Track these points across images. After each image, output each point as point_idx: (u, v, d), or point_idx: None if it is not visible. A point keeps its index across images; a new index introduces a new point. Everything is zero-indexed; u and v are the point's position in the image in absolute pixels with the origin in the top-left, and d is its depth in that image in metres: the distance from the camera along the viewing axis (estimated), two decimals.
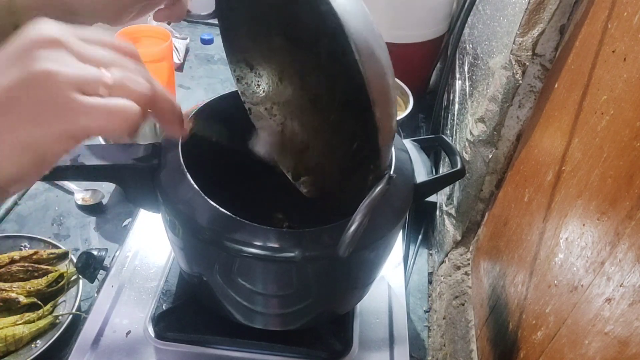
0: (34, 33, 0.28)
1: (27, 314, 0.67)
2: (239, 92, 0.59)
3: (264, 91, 0.59)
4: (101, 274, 0.69)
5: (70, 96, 0.27)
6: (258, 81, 0.58)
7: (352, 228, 0.39)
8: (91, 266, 0.66)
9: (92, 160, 0.50)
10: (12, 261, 0.72)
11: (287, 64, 0.54)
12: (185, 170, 0.49)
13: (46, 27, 0.28)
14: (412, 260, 0.85)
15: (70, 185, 0.91)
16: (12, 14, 0.44)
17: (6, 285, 0.69)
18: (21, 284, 0.70)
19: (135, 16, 0.51)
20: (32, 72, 0.27)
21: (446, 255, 0.79)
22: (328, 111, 0.53)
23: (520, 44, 0.57)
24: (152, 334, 0.62)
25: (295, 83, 0.55)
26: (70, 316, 0.67)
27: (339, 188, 0.54)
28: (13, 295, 0.68)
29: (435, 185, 0.61)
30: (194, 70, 1.25)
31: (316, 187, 0.56)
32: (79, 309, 0.69)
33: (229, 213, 0.48)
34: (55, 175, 0.54)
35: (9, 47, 0.28)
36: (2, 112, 0.27)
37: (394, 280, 0.73)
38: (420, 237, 0.89)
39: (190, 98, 1.15)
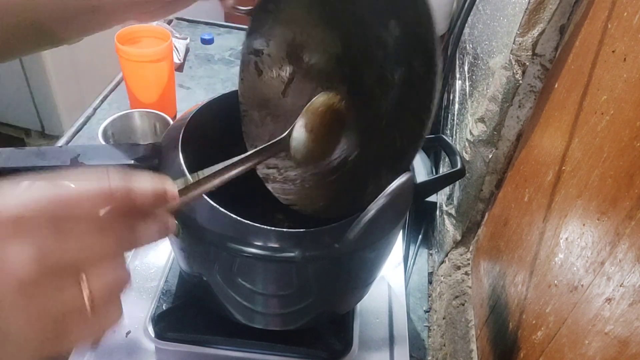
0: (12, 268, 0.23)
1: None
2: (239, 94, 0.59)
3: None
4: None
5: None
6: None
7: (367, 217, 0.38)
8: None
9: (92, 160, 0.50)
10: None
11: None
12: (186, 170, 0.49)
13: (19, 260, 0.23)
14: (412, 260, 0.85)
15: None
16: (32, 10, 0.43)
17: None
18: None
19: (160, 12, 0.50)
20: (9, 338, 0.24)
21: (446, 255, 0.79)
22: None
23: (520, 43, 0.57)
24: (152, 334, 0.62)
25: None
26: None
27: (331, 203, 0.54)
28: None
29: (435, 185, 0.61)
30: (194, 70, 1.25)
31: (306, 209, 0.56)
32: None
33: (229, 213, 0.48)
34: None
35: None
36: None
37: (394, 280, 0.73)
38: (420, 237, 0.89)
39: (190, 98, 1.15)
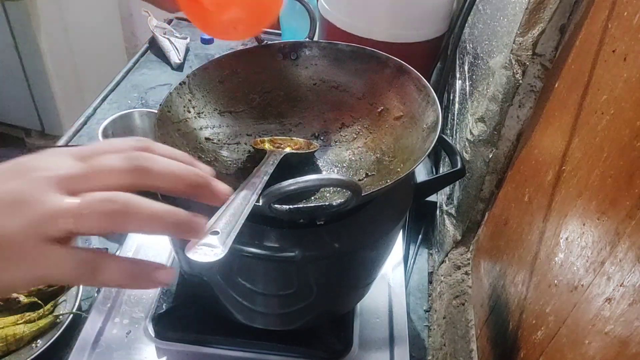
0: (34, 168, 0.28)
1: (28, 314, 0.67)
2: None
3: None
4: None
5: (35, 246, 0.26)
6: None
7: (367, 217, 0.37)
8: None
9: None
10: None
11: None
12: None
13: (45, 164, 0.28)
14: (412, 260, 0.85)
15: None
16: None
17: None
18: None
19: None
20: (3, 214, 0.26)
21: (446, 255, 0.79)
22: None
23: (520, 43, 0.57)
24: (152, 334, 0.62)
25: None
26: (71, 316, 0.67)
27: None
28: (13, 294, 0.68)
29: (435, 185, 0.61)
30: None
31: None
32: (79, 308, 0.69)
33: None
34: None
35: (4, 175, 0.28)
36: None
37: (394, 280, 0.73)
38: (420, 237, 0.89)
39: None
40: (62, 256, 0.27)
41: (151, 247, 0.72)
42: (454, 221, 0.78)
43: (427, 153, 0.48)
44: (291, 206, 0.41)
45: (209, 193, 0.33)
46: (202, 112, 0.58)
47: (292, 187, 0.37)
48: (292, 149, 0.55)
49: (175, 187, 0.31)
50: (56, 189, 0.27)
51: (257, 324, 0.59)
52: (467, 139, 0.71)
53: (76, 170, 0.28)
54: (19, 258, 0.26)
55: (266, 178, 0.43)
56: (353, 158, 0.60)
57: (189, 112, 0.56)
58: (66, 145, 0.99)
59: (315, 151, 0.58)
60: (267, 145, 0.56)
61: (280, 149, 0.54)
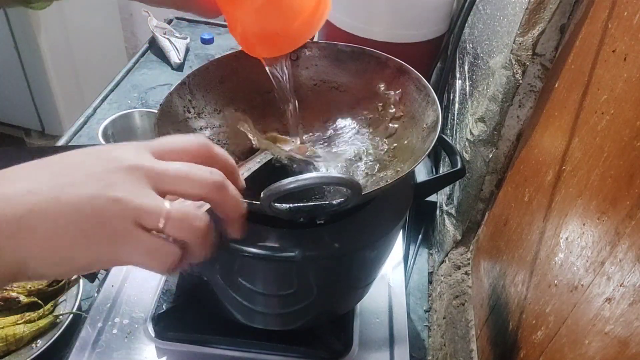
0: (118, 158, 0.31)
1: (28, 314, 0.67)
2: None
3: None
4: (101, 273, 0.69)
5: (127, 228, 0.30)
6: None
7: (367, 217, 0.38)
8: None
9: None
10: None
11: None
12: None
13: (130, 153, 0.31)
14: (412, 260, 0.85)
15: None
16: None
17: None
18: (21, 283, 0.70)
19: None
20: (105, 196, 0.29)
21: (446, 255, 0.79)
22: None
23: (520, 43, 0.57)
24: (153, 334, 0.62)
25: None
26: (71, 316, 0.67)
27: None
28: (13, 294, 0.68)
29: (435, 185, 0.61)
30: None
31: None
32: (79, 308, 0.69)
33: None
34: None
35: (90, 163, 0.31)
36: (64, 221, 0.29)
37: (394, 280, 0.73)
38: (420, 237, 0.89)
39: None
40: (150, 242, 0.31)
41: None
42: (454, 221, 0.78)
43: (427, 153, 0.48)
44: (291, 205, 0.41)
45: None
46: (202, 112, 0.58)
47: (292, 185, 0.37)
48: (286, 151, 0.55)
49: (235, 215, 0.36)
50: (148, 185, 0.31)
51: (257, 324, 0.59)
52: (467, 139, 0.71)
53: (162, 169, 0.32)
54: (114, 238, 0.30)
55: (247, 174, 0.43)
56: (353, 158, 0.60)
57: (189, 112, 0.56)
58: (66, 145, 0.99)
59: (310, 158, 0.58)
60: (265, 142, 0.55)
61: (277, 147, 0.54)
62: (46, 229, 0.28)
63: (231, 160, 0.37)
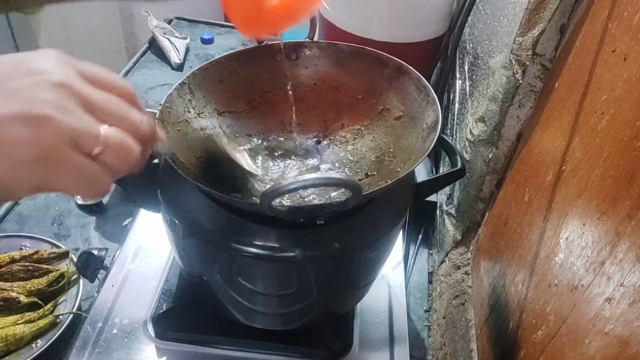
0: (42, 71, 0.28)
1: (28, 314, 0.67)
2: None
3: None
4: (101, 273, 0.69)
5: (61, 150, 0.27)
6: None
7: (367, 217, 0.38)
8: (91, 266, 0.66)
9: None
10: (13, 261, 0.72)
11: None
12: (181, 173, 0.49)
13: (54, 67, 0.28)
14: (412, 260, 0.85)
15: None
16: None
17: (7, 284, 0.69)
18: (22, 283, 0.70)
19: None
20: (33, 113, 0.26)
21: (446, 255, 0.79)
22: None
23: (520, 43, 0.57)
24: (153, 334, 0.62)
25: None
26: (71, 316, 0.67)
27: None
28: (14, 294, 0.68)
29: (435, 184, 0.61)
30: None
31: None
32: (79, 308, 0.69)
33: (229, 212, 0.48)
34: None
35: (12, 74, 0.27)
36: None
37: (394, 279, 0.73)
38: (420, 236, 0.89)
39: None
40: (85, 167, 0.28)
41: (151, 247, 0.72)
42: (454, 221, 0.78)
43: (427, 153, 0.48)
44: (291, 205, 0.41)
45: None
46: (202, 112, 0.58)
47: (292, 186, 0.37)
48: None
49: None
50: (79, 106, 0.28)
51: (257, 324, 0.59)
52: (467, 139, 0.71)
53: (95, 98, 0.29)
54: (46, 161, 0.27)
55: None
56: (353, 158, 0.60)
57: (189, 112, 0.56)
58: None
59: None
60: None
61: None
62: None
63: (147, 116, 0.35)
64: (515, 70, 0.58)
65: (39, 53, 0.29)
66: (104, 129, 0.29)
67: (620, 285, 0.34)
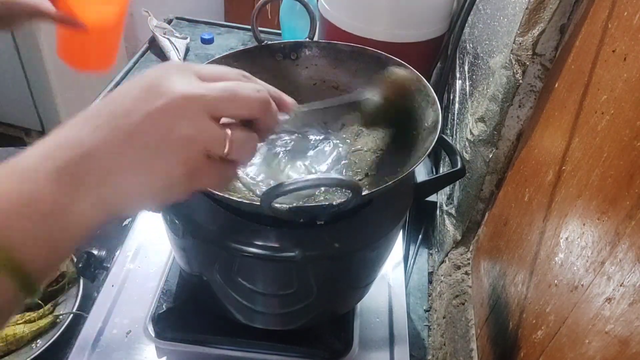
0: (171, 94, 0.31)
1: (28, 314, 0.67)
2: None
3: None
4: (101, 273, 0.69)
5: (202, 162, 0.32)
6: None
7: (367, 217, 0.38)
8: (91, 266, 0.66)
9: None
10: None
11: None
12: None
13: (177, 85, 0.31)
14: (412, 260, 0.85)
15: None
16: None
17: None
18: None
19: None
20: (173, 136, 0.30)
21: (446, 255, 0.79)
22: None
23: (520, 43, 0.57)
24: (153, 334, 0.62)
25: None
26: (71, 316, 0.67)
27: None
28: None
29: (435, 184, 0.61)
30: None
31: None
32: (79, 308, 0.69)
33: (229, 212, 0.49)
34: None
35: (143, 100, 0.31)
36: (142, 164, 0.30)
37: (394, 279, 0.73)
38: (420, 236, 0.89)
39: None
40: (220, 170, 0.33)
41: (151, 247, 0.72)
42: (454, 221, 0.78)
43: (427, 153, 0.48)
44: (291, 205, 0.41)
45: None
46: None
47: (292, 187, 0.37)
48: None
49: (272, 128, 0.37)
50: (206, 114, 0.31)
51: (257, 324, 0.59)
52: (467, 139, 0.71)
53: (212, 95, 0.32)
54: (190, 174, 0.31)
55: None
56: (353, 158, 0.60)
57: None
58: None
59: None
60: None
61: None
62: (127, 174, 0.30)
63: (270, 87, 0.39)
64: (515, 70, 0.58)
65: (160, 68, 0.34)
66: (227, 133, 0.32)
67: (620, 285, 0.34)
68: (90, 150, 0.30)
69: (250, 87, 0.34)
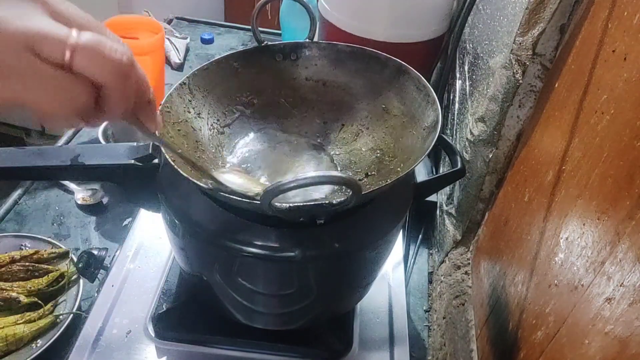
0: None
1: (28, 314, 0.67)
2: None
3: None
4: (101, 273, 0.69)
5: (19, 58, 0.24)
6: None
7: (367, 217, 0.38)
8: (91, 266, 0.66)
9: (92, 160, 0.50)
10: (13, 260, 0.72)
11: None
12: (182, 172, 0.49)
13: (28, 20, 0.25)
14: (412, 260, 0.85)
15: (70, 185, 0.91)
16: None
17: (7, 284, 0.69)
18: (22, 283, 0.70)
19: None
20: None
21: (446, 255, 0.79)
22: None
23: (520, 43, 0.57)
24: (153, 334, 0.62)
25: None
26: (71, 316, 0.67)
27: None
28: (14, 294, 0.68)
29: (435, 184, 0.61)
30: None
31: None
32: (79, 308, 0.69)
33: (229, 212, 0.49)
34: (56, 175, 0.54)
35: None
36: None
37: (394, 279, 0.73)
38: (420, 236, 0.89)
39: None
40: (50, 74, 0.25)
41: (151, 247, 0.72)
42: (454, 221, 0.78)
43: (427, 153, 0.48)
44: (291, 204, 0.41)
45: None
46: (202, 112, 0.58)
47: (292, 185, 0.37)
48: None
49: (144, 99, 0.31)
50: (44, 13, 0.25)
51: (257, 324, 0.59)
52: (467, 139, 0.71)
53: (63, 7, 0.27)
54: (5, 69, 0.24)
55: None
56: (353, 158, 0.60)
57: (189, 112, 0.56)
58: (66, 144, 0.99)
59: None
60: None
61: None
62: None
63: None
64: (515, 70, 0.58)
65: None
66: (74, 31, 0.25)
67: (620, 285, 0.34)
68: None
69: (116, 47, 0.26)
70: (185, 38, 1.31)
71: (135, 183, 0.53)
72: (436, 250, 0.86)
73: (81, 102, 0.26)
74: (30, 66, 0.24)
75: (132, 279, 0.68)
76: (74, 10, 0.27)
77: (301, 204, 0.42)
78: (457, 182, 0.75)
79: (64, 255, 0.76)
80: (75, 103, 0.26)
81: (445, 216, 0.82)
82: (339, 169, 0.59)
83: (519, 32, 0.56)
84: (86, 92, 0.26)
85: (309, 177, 0.37)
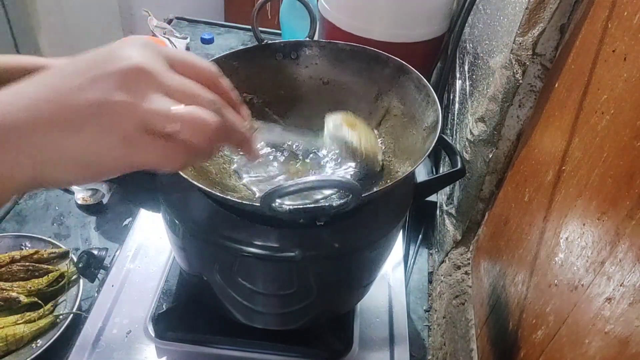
0: (125, 58, 0.29)
1: (28, 314, 0.67)
2: None
3: None
4: (101, 273, 0.69)
5: (136, 134, 0.29)
6: None
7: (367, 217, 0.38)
8: (91, 266, 0.66)
9: None
10: (13, 260, 0.72)
11: None
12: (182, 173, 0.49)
13: (137, 56, 0.29)
14: (412, 260, 0.85)
15: None
16: None
17: (7, 284, 0.69)
18: (22, 283, 0.70)
19: None
20: (111, 101, 0.28)
21: (446, 255, 0.79)
22: None
23: (520, 43, 0.57)
24: (153, 334, 0.62)
25: None
26: (71, 316, 0.67)
27: None
28: (14, 294, 0.68)
29: (435, 184, 0.61)
30: None
31: None
32: (79, 308, 0.69)
33: (229, 212, 0.49)
34: None
35: (97, 63, 0.29)
36: (74, 126, 0.28)
37: (394, 279, 0.73)
38: (420, 236, 0.89)
39: None
40: (159, 147, 0.29)
41: (151, 247, 0.72)
42: (454, 221, 0.78)
43: (427, 153, 0.48)
44: (291, 206, 0.41)
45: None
46: None
47: (292, 188, 0.37)
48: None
49: (241, 136, 0.35)
50: (157, 89, 0.29)
51: (257, 324, 0.59)
52: (467, 139, 0.71)
53: (171, 82, 0.30)
54: (126, 143, 0.29)
55: None
56: (353, 158, 0.60)
57: None
58: None
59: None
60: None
61: None
62: (57, 135, 0.28)
63: (235, 92, 0.37)
64: (515, 70, 0.58)
65: (125, 41, 0.31)
66: (176, 108, 0.29)
67: (620, 285, 0.34)
68: (13, 105, 0.27)
69: (210, 94, 0.32)
70: (185, 38, 1.31)
71: (135, 183, 0.53)
72: (436, 250, 0.86)
73: (181, 160, 0.31)
74: (142, 140, 0.29)
75: (132, 279, 0.68)
76: (184, 61, 0.33)
77: (301, 206, 0.42)
78: (457, 182, 0.75)
79: (64, 255, 0.76)
80: (176, 161, 0.31)
81: (445, 216, 0.82)
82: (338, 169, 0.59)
83: (519, 32, 0.56)
84: (183, 152, 0.31)
85: (309, 180, 0.37)
